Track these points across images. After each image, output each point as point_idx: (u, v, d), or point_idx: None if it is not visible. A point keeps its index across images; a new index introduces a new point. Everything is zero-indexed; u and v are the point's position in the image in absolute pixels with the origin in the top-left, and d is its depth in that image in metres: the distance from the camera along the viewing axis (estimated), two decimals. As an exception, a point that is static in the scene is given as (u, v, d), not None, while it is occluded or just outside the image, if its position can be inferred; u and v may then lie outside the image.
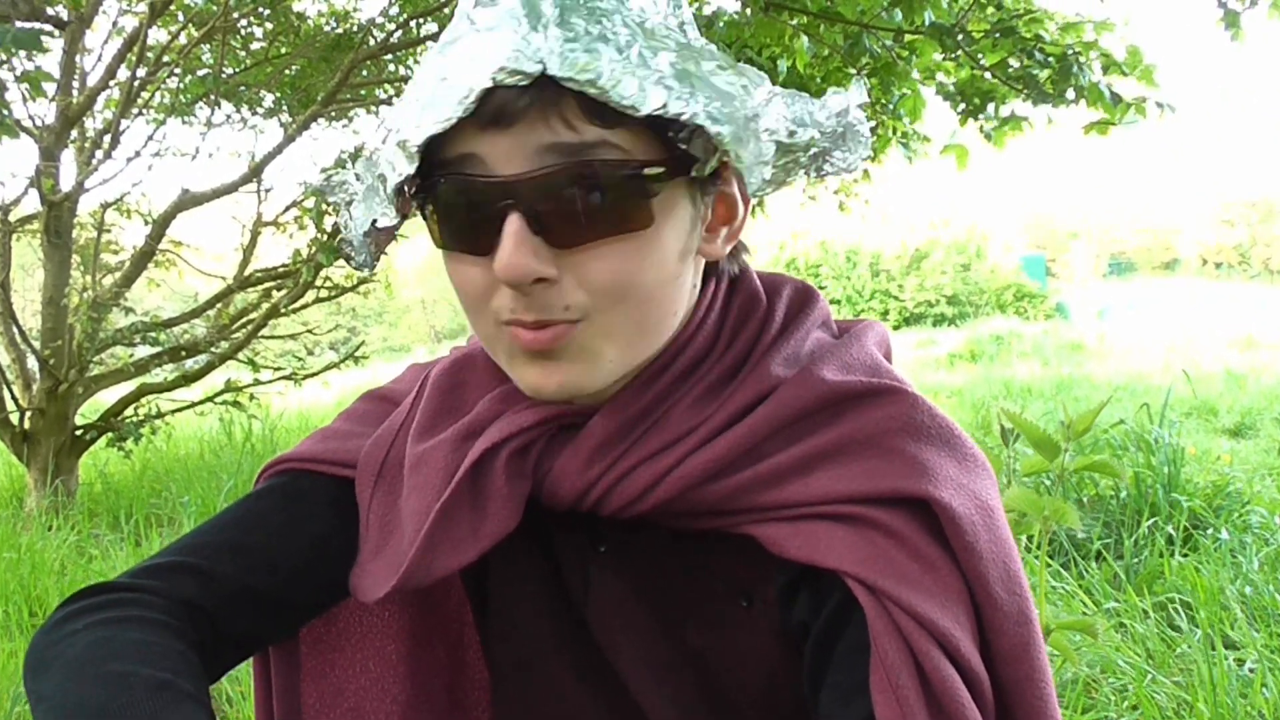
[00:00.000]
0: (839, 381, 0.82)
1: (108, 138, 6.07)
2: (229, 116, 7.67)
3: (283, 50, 7.21)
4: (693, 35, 0.79)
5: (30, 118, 5.77)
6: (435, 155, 0.74)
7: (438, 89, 0.72)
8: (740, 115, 0.73)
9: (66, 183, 5.98)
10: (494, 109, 0.70)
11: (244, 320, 7.08)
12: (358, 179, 0.84)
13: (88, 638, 0.75)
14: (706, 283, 0.87)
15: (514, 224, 0.72)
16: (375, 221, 0.79)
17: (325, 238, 5.99)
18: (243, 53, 7.24)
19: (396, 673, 1.01)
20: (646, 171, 0.73)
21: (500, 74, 0.68)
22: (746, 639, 0.87)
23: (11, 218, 6.02)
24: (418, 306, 37.85)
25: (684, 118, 0.70)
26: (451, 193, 0.74)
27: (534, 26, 0.70)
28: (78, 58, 5.98)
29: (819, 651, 0.79)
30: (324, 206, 5.73)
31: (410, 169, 0.73)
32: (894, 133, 6.18)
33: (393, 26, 6.83)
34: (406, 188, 0.78)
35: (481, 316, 0.79)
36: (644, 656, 0.91)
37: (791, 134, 0.75)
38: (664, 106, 0.69)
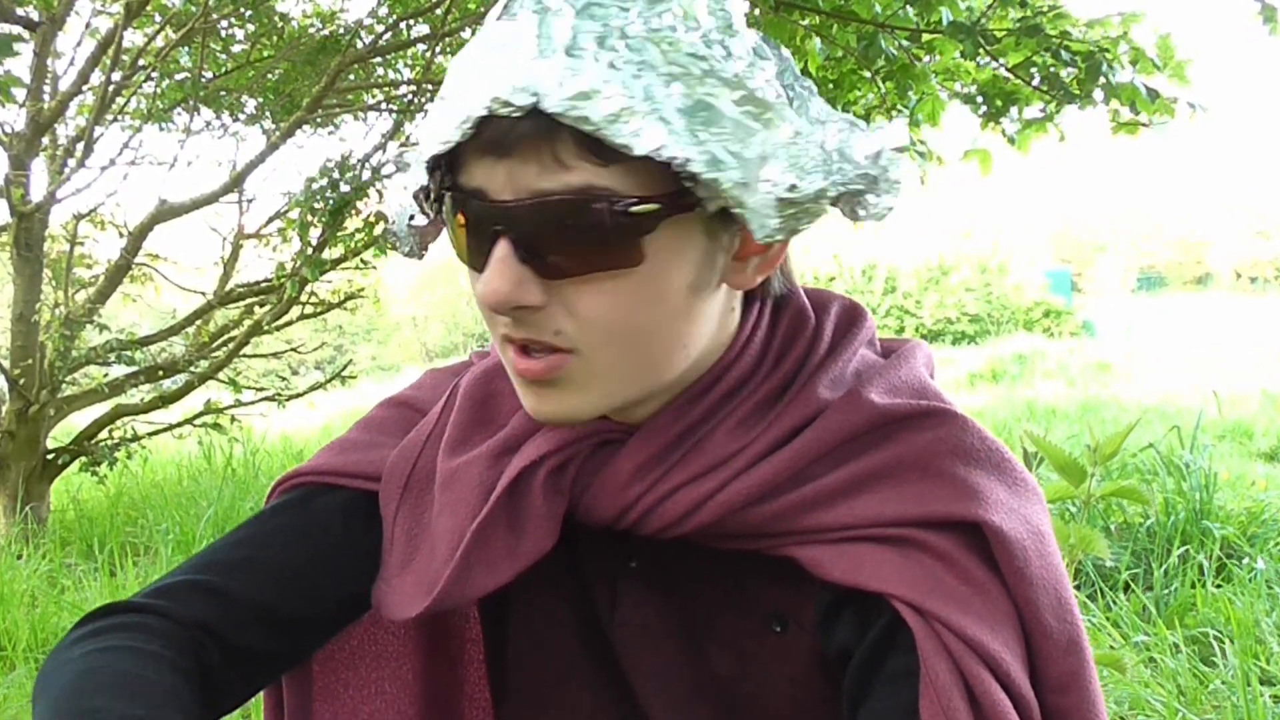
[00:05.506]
0: (887, 404, 0.84)
1: (81, 145, 6.10)
2: (209, 123, 7.67)
3: (265, 53, 7.24)
4: (738, 49, 0.75)
5: (-1, 124, 5.81)
6: (447, 169, 0.76)
7: (445, 107, 0.74)
8: (751, 157, 0.72)
9: (37, 193, 6.01)
10: (491, 137, 0.71)
11: (225, 338, 7.09)
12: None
13: (80, 666, 0.76)
14: (750, 304, 0.88)
15: (501, 250, 0.73)
16: (412, 217, 0.83)
17: (310, 251, 6.00)
18: (223, 56, 7.26)
19: (411, 694, 1.03)
20: (634, 210, 0.72)
21: (494, 103, 0.69)
22: (777, 667, 0.88)
23: (-21, 230, 6.04)
24: (409, 324, 37.88)
25: (675, 162, 0.69)
26: (453, 209, 0.76)
27: (541, 52, 0.70)
28: (49, 61, 6.01)
29: (862, 676, 0.79)
30: (309, 218, 5.74)
31: (423, 179, 0.78)
32: (911, 143, 6.18)
33: (381, 29, 6.85)
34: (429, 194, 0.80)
35: (493, 330, 0.81)
36: (667, 682, 0.92)
37: (792, 188, 0.73)
38: (659, 148, 0.69)
